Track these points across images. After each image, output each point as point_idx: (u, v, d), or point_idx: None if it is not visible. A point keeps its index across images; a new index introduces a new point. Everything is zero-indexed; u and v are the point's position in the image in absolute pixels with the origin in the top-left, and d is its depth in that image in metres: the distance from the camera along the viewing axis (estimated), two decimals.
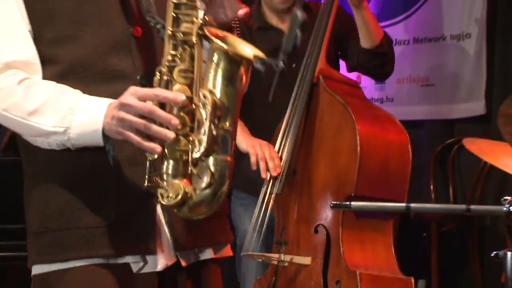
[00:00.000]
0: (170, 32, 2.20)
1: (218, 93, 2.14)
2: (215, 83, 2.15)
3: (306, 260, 3.93)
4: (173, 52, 2.18)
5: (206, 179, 2.14)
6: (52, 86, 2.27)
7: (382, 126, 4.07)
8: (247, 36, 3.82)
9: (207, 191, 2.15)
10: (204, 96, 2.11)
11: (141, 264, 2.34)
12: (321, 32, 4.17)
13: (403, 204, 3.23)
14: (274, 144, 4.14)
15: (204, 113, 2.11)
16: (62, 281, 2.33)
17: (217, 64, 2.16)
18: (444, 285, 5.79)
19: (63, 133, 2.20)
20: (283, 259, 3.98)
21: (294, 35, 2.38)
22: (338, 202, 3.69)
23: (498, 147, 3.31)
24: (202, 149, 2.10)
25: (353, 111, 3.90)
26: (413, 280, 3.75)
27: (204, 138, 2.09)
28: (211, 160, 2.14)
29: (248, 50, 2.20)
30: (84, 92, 2.26)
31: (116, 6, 2.36)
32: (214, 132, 2.11)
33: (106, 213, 2.32)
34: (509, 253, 2.13)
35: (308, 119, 4.10)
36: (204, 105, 2.09)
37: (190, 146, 2.14)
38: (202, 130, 2.10)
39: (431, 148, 5.99)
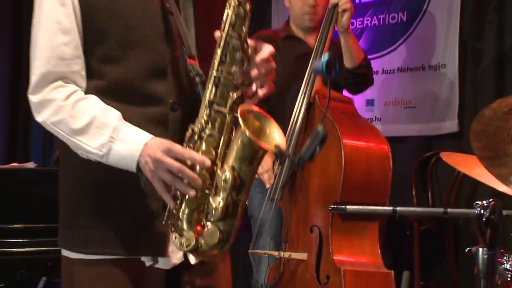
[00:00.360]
0: (208, 100, 2.21)
1: (238, 169, 2.16)
2: (237, 160, 2.17)
3: (303, 256, 3.99)
4: (206, 118, 2.20)
5: (215, 236, 2.18)
6: (97, 105, 2.28)
7: (366, 139, 4.13)
8: (273, 43, 3.73)
9: (214, 246, 2.20)
10: (227, 171, 2.16)
11: (152, 262, 2.38)
12: (319, 53, 4.27)
13: (391, 208, 3.30)
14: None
15: (224, 186, 2.15)
16: (83, 268, 2.39)
17: (242, 145, 2.16)
18: (424, 276, 5.79)
19: (102, 156, 2.23)
20: (283, 255, 4.04)
21: (313, 149, 2.44)
22: (335, 206, 3.73)
23: (470, 159, 3.37)
24: (217, 216, 2.17)
25: (339, 128, 3.96)
26: (393, 273, 3.81)
27: (220, 206, 2.15)
28: (222, 222, 2.19)
29: (273, 139, 2.23)
30: (120, 110, 2.26)
31: (161, 36, 2.36)
32: (231, 200, 2.15)
33: (126, 219, 2.35)
34: (480, 249, 2.19)
35: (306, 133, 4.14)
36: (225, 180, 2.13)
37: (206, 206, 2.20)
38: (219, 198, 2.16)
39: (413, 160, 6.00)
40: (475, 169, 3.32)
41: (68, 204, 2.44)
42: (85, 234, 2.36)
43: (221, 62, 2.22)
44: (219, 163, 2.19)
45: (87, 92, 2.32)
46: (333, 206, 3.59)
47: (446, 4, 6.35)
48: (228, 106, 2.22)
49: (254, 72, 2.27)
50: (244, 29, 2.23)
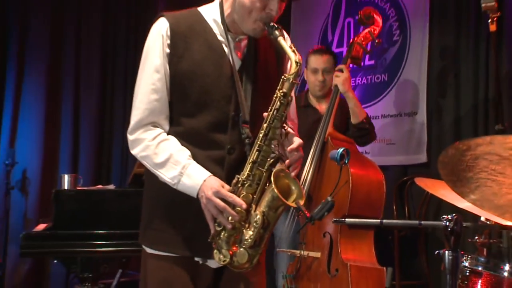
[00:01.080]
0: (252, 160, 2.29)
1: (267, 214, 2.28)
2: (266, 207, 2.29)
3: (317, 255, 4.00)
4: (248, 172, 2.29)
5: (245, 258, 2.29)
6: (174, 146, 2.38)
7: (367, 170, 4.20)
8: (301, 109, 3.90)
9: (244, 264, 2.30)
10: (258, 214, 2.28)
11: (204, 261, 2.45)
12: (329, 113, 4.30)
13: (378, 220, 3.31)
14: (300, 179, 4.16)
15: (255, 225, 2.29)
16: (153, 260, 2.48)
17: (271, 198, 2.28)
18: (403, 272, 5.77)
19: (173, 185, 2.34)
20: (302, 254, 4.05)
21: (323, 213, 2.46)
22: (337, 219, 3.75)
23: (436, 183, 3.34)
24: (248, 245, 2.29)
25: (348, 161, 3.97)
26: (385, 269, 3.84)
27: (251, 237, 2.28)
28: (251, 250, 2.29)
29: (294, 196, 2.32)
30: (191, 151, 2.37)
31: (227, 100, 2.41)
32: (259, 235, 2.26)
33: (186, 229, 2.42)
34: (446, 252, 2.19)
35: (321, 164, 4.19)
36: (256, 221, 2.26)
37: (241, 234, 2.30)
38: (251, 232, 2.28)
39: (393, 183, 5.95)
40: (440, 191, 3.32)
41: (147, 212, 2.53)
42: (157, 235, 2.46)
43: (265, 135, 2.29)
44: (254, 206, 2.29)
45: (169, 133, 2.41)
46: (335, 219, 3.61)
47: (416, 69, 6.33)
48: (265, 167, 2.30)
49: (288, 161, 2.36)
50: (285, 113, 2.32)
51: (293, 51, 2.33)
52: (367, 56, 6.67)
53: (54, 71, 7.17)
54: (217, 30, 2.46)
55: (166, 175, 2.34)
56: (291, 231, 4.26)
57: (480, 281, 2.44)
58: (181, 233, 2.41)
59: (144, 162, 2.41)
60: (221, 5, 2.46)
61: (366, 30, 4.65)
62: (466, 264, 2.46)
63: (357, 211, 3.98)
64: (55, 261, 6.10)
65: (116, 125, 7.16)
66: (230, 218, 2.24)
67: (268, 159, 2.31)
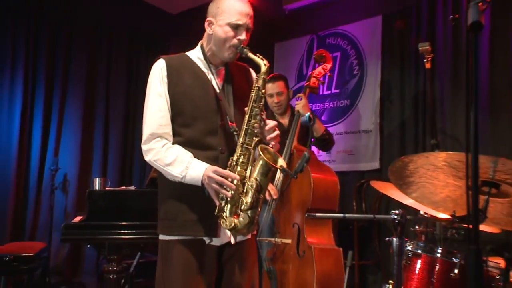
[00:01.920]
0: (241, 142, 2.36)
1: (259, 179, 2.30)
2: (259, 174, 2.30)
3: (288, 241, 3.99)
4: (240, 153, 2.35)
5: (246, 219, 2.30)
6: (179, 150, 2.43)
7: (324, 173, 4.19)
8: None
9: (246, 225, 2.30)
10: (254, 180, 2.30)
11: (209, 240, 2.43)
12: (293, 131, 4.29)
13: (342, 215, 3.30)
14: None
15: (252, 188, 2.30)
16: (171, 244, 2.46)
17: (261, 165, 2.31)
18: (361, 254, 5.77)
19: (181, 178, 2.36)
20: (277, 241, 4.03)
21: (302, 166, 2.45)
22: (309, 213, 3.75)
23: (386, 185, 3.37)
24: (247, 207, 2.30)
25: (309, 166, 4.00)
26: (341, 250, 3.85)
27: (249, 200, 2.29)
28: (250, 211, 2.30)
29: (279, 162, 2.36)
30: (192, 153, 2.41)
31: (214, 112, 2.49)
32: (254, 198, 2.28)
33: (194, 214, 2.42)
34: (394, 239, 2.18)
35: (290, 169, 4.11)
36: (252, 186, 2.28)
37: (240, 202, 2.31)
38: (249, 197, 2.30)
39: (354, 185, 5.98)
40: (390, 191, 3.34)
41: (161, 206, 2.53)
42: (170, 224, 2.47)
43: (248, 120, 2.38)
44: (248, 177, 2.34)
45: (173, 143, 2.46)
46: (308, 214, 3.64)
47: (371, 96, 6.35)
48: (252, 145, 2.37)
49: (268, 137, 2.43)
50: (261, 103, 2.42)
51: (261, 58, 2.47)
52: (333, 86, 6.73)
53: (89, 97, 7.23)
54: (201, 64, 2.59)
55: (174, 171, 2.38)
56: (269, 222, 4.25)
57: (419, 261, 2.44)
58: (190, 219, 2.41)
59: (157, 165, 2.45)
60: (202, 47, 2.61)
61: (320, 67, 4.70)
62: (409, 248, 2.47)
63: (318, 205, 3.99)
64: (88, 246, 6.20)
65: (136, 140, 7.16)
66: (229, 189, 2.29)
67: (254, 138, 2.39)
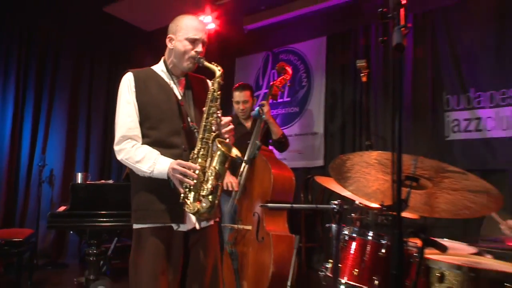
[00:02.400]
0: (200, 137, 2.37)
1: (218, 168, 2.31)
2: (217, 163, 2.31)
3: (249, 227, 3.98)
4: (200, 146, 2.35)
5: (207, 204, 2.29)
6: (147, 149, 2.40)
7: (282, 170, 4.15)
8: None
9: (208, 209, 2.30)
10: (213, 169, 2.31)
11: (177, 227, 2.41)
12: (256, 133, 4.27)
13: (290, 205, 3.34)
14: (237, 176, 4.19)
15: (211, 175, 2.31)
16: (143, 232, 2.42)
17: (219, 155, 2.32)
18: (307, 238, 5.81)
19: (150, 173, 2.34)
20: (239, 227, 4.04)
21: (254, 153, 2.47)
22: (262, 204, 3.77)
23: (329, 180, 3.39)
24: (207, 192, 2.30)
25: (270, 164, 4.01)
26: (294, 236, 3.80)
27: (210, 187, 2.29)
28: (210, 196, 2.29)
29: (233, 152, 2.38)
30: (159, 151, 2.39)
31: (176, 115, 2.48)
32: (214, 184, 2.29)
33: (163, 204, 2.40)
34: (333, 225, 2.21)
35: (253, 166, 4.14)
36: (211, 173, 2.29)
37: (202, 189, 2.31)
38: (209, 184, 2.29)
39: (302, 179, 5.99)
40: (331, 184, 3.37)
41: (134, 199, 2.49)
42: (143, 213, 2.43)
43: (207, 118, 2.39)
44: (207, 166, 2.34)
45: (142, 143, 2.44)
46: (261, 204, 3.62)
47: (317, 104, 6.42)
48: (210, 139, 2.38)
49: (223, 131, 2.43)
50: (218, 102, 2.44)
51: (215, 65, 2.48)
52: (285, 95, 6.76)
53: (73, 102, 7.19)
54: (164, 76, 2.58)
55: (143, 167, 2.37)
56: (231, 211, 4.25)
57: (354, 243, 2.47)
58: (159, 209, 2.39)
59: (128, 162, 2.42)
60: (164, 61, 2.62)
61: (281, 77, 4.71)
62: (346, 232, 2.50)
63: (276, 197, 3.98)
64: (71, 232, 6.18)
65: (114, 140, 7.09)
66: (191, 178, 2.30)
67: (211, 134, 2.40)
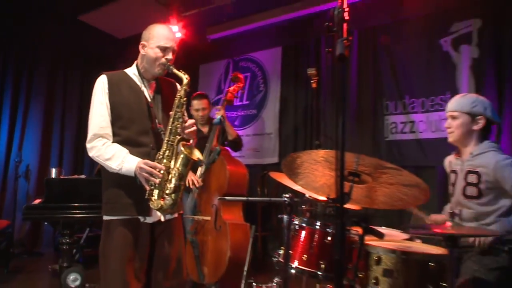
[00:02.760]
0: (166, 140, 2.34)
1: (181, 169, 2.30)
2: (180, 165, 2.30)
3: (208, 218, 3.99)
4: (165, 148, 2.33)
5: (170, 201, 2.28)
6: (117, 147, 2.37)
7: (236, 166, 4.18)
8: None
9: (170, 206, 2.29)
10: (176, 170, 2.30)
11: (143, 219, 2.39)
12: (213, 134, 4.24)
13: (246, 198, 3.34)
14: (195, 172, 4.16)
15: (175, 176, 2.30)
16: (112, 223, 2.38)
17: (182, 158, 2.30)
18: (262, 227, 5.86)
19: (118, 170, 2.31)
20: (198, 218, 4.03)
21: (214, 157, 2.46)
22: (220, 197, 3.77)
23: (282, 175, 3.41)
24: (171, 191, 2.29)
25: (226, 161, 4.04)
26: (249, 225, 3.81)
27: (173, 186, 2.28)
28: (173, 194, 2.29)
29: (196, 155, 2.37)
30: (130, 151, 2.36)
31: (146, 116, 2.45)
32: (177, 184, 2.28)
33: (130, 198, 2.37)
34: (285, 216, 2.22)
35: (210, 166, 4.10)
36: (175, 174, 2.27)
37: (165, 188, 2.30)
38: (172, 183, 2.28)
39: (258, 175, 5.99)
40: (284, 180, 3.37)
41: (104, 193, 2.45)
42: (112, 207, 2.39)
43: (173, 122, 2.37)
44: (172, 167, 2.33)
45: (113, 142, 2.40)
46: (219, 197, 3.62)
47: (273, 108, 6.44)
48: (175, 142, 2.36)
49: (186, 132, 2.42)
50: (184, 107, 2.42)
51: (183, 73, 2.44)
52: (244, 98, 6.77)
53: (48, 102, 7.06)
54: (136, 79, 2.53)
55: (113, 165, 2.34)
56: (191, 204, 4.22)
57: (303, 231, 2.48)
58: (128, 203, 2.37)
59: (98, 160, 2.39)
60: (137, 65, 2.57)
61: (235, 85, 4.72)
62: (296, 222, 2.51)
63: (232, 191, 4.01)
64: (46, 223, 6.06)
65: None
66: (156, 177, 2.29)
67: (177, 137, 2.39)
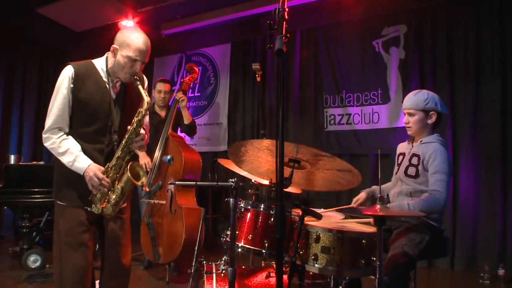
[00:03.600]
0: (117, 155, 2.28)
1: (124, 186, 2.29)
2: (124, 183, 2.29)
3: (163, 202, 3.91)
4: (115, 162, 2.29)
5: (110, 209, 2.28)
6: (71, 142, 2.27)
7: (191, 153, 4.08)
8: (150, 114, 3.64)
9: (110, 212, 2.28)
10: (119, 186, 2.28)
11: (90, 208, 2.31)
12: (169, 119, 4.16)
13: (195, 182, 3.29)
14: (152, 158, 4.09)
15: (117, 192, 2.28)
16: (62, 209, 2.31)
17: (126, 178, 2.28)
18: (213, 210, 5.84)
19: (69, 166, 2.23)
20: (154, 201, 3.95)
21: (156, 190, 2.37)
22: (173, 182, 3.69)
23: (230, 162, 3.42)
24: (112, 202, 2.28)
25: (181, 148, 3.94)
26: (202, 208, 3.78)
27: (114, 199, 2.28)
28: (114, 204, 2.28)
29: (141, 179, 2.34)
30: (83, 145, 2.27)
31: (107, 115, 2.33)
32: (119, 197, 2.27)
33: (79, 190, 2.29)
34: (231, 199, 2.21)
35: (165, 151, 4.05)
36: (117, 189, 2.27)
37: (108, 197, 2.28)
38: (115, 195, 2.28)
39: (209, 162, 5.97)
40: (231, 166, 3.38)
41: (56, 180, 2.37)
42: (63, 194, 2.31)
43: (126, 142, 2.30)
44: (117, 181, 2.29)
45: (71, 134, 2.31)
46: (171, 182, 3.55)
47: (222, 99, 6.42)
48: (125, 160, 2.30)
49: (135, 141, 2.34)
50: (139, 130, 2.34)
51: (147, 95, 2.32)
52: (196, 90, 6.70)
53: (8, 90, 6.77)
54: (103, 74, 2.36)
55: (65, 160, 2.25)
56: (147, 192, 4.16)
57: (249, 213, 2.48)
58: (76, 193, 2.29)
59: (52, 151, 2.28)
60: (107, 59, 2.37)
61: (190, 75, 4.70)
62: (242, 205, 2.50)
63: (187, 176, 3.93)
64: (6, 208, 5.80)
65: None
66: (101, 189, 2.25)
67: (127, 156, 2.31)
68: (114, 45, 2.33)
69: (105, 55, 2.39)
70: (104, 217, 2.39)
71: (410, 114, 2.72)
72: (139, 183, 2.29)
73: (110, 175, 2.27)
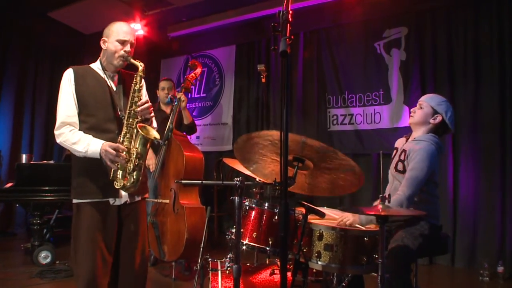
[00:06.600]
0: (126, 123, 2.26)
1: (140, 149, 2.23)
2: (139, 145, 2.22)
3: (167, 201, 3.90)
4: (126, 131, 2.25)
5: (132, 180, 2.22)
6: (82, 133, 2.28)
7: (193, 152, 4.02)
8: (156, 112, 3.60)
9: (132, 184, 2.24)
10: (135, 149, 2.22)
11: (113, 201, 2.31)
12: (172, 118, 4.10)
13: (200, 181, 3.28)
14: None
15: (134, 155, 2.21)
16: (81, 206, 2.31)
17: (140, 138, 2.22)
18: (218, 208, 5.83)
19: (84, 153, 2.23)
20: (158, 201, 3.95)
21: (168, 134, 2.37)
22: (176, 180, 3.63)
23: (235, 161, 3.40)
24: (130, 170, 2.23)
25: (183, 147, 3.89)
26: (205, 207, 3.75)
27: (132, 165, 2.21)
28: (134, 173, 2.23)
29: (153, 134, 2.30)
30: (94, 136, 2.28)
31: (110, 105, 2.37)
32: (136, 163, 2.21)
33: (99, 182, 2.29)
34: (236, 198, 2.19)
35: (169, 148, 4.01)
36: (133, 153, 2.20)
37: (127, 167, 2.23)
38: (133, 163, 2.21)
39: (214, 161, 5.96)
40: (236, 165, 3.36)
41: (74, 178, 2.37)
42: (81, 191, 2.32)
43: (130, 106, 2.31)
44: (131, 147, 2.27)
45: (80, 129, 2.33)
46: (177, 181, 3.50)
47: (227, 100, 6.40)
48: (134, 124, 2.30)
49: (139, 108, 2.36)
50: (140, 93, 2.40)
51: (139, 62, 2.39)
52: (201, 91, 6.70)
53: (20, 92, 6.83)
54: (100, 72, 2.45)
55: (79, 148, 2.26)
56: (152, 187, 4.14)
57: (253, 212, 2.47)
58: (97, 186, 2.30)
59: (66, 144, 2.30)
60: (100, 61, 2.48)
61: (193, 73, 4.60)
62: (247, 203, 2.50)
63: (189, 175, 3.87)
64: (18, 205, 5.80)
65: None
66: (120, 158, 2.24)
67: (135, 120, 2.33)
68: (102, 38, 2.45)
69: (98, 58, 2.51)
70: (122, 213, 2.40)
71: (421, 106, 2.70)
72: (152, 138, 2.31)
73: (125, 143, 2.29)
